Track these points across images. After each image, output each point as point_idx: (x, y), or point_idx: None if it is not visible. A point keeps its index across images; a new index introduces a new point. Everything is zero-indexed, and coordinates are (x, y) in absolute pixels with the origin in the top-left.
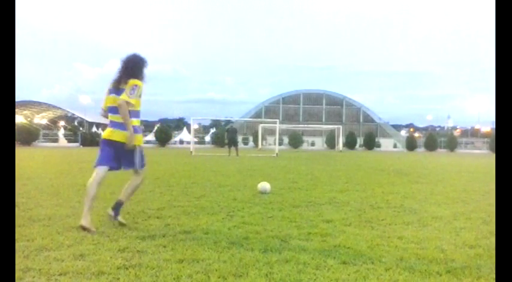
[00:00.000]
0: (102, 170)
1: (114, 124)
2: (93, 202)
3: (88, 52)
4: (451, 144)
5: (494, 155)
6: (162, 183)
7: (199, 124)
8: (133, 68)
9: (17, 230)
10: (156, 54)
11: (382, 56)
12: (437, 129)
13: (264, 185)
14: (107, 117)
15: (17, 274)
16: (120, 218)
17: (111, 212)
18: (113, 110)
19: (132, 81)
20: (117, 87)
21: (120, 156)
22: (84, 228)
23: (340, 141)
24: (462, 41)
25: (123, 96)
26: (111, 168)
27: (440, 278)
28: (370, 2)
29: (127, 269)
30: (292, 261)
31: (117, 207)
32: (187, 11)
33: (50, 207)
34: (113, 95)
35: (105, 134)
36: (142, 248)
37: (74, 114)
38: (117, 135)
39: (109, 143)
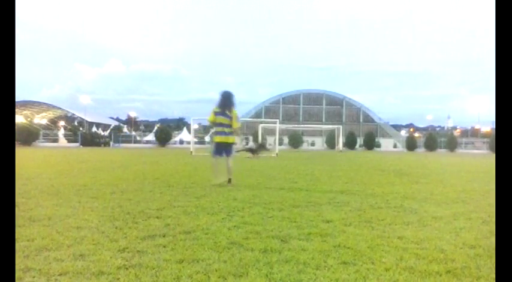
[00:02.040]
0: (214, 158)
1: (220, 133)
2: (215, 173)
3: (88, 52)
4: (451, 144)
5: (494, 155)
6: (162, 183)
7: (199, 124)
8: (231, 101)
9: (17, 230)
10: (156, 54)
11: (382, 56)
12: (437, 129)
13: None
14: (211, 127)
15: (17, 274)
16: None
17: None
18: (222, 125)
19: (235, 112)
20: (222, 113)
21: (222, 149)
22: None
23: (340, 141)
24: (462, 41)
25: (236, 124)
26: (219, 157)
27: (440, 278)
28: (370, 2)
29: (127, 269)
30: (292, 261)
31: (229, 181)
32: (188, 11)
33: (50, 207)
34: (220, 116)
35: (216, 138)
36: (142, 248)
37: (74, 114)
38: (221, 139)
39: (218, 144)
